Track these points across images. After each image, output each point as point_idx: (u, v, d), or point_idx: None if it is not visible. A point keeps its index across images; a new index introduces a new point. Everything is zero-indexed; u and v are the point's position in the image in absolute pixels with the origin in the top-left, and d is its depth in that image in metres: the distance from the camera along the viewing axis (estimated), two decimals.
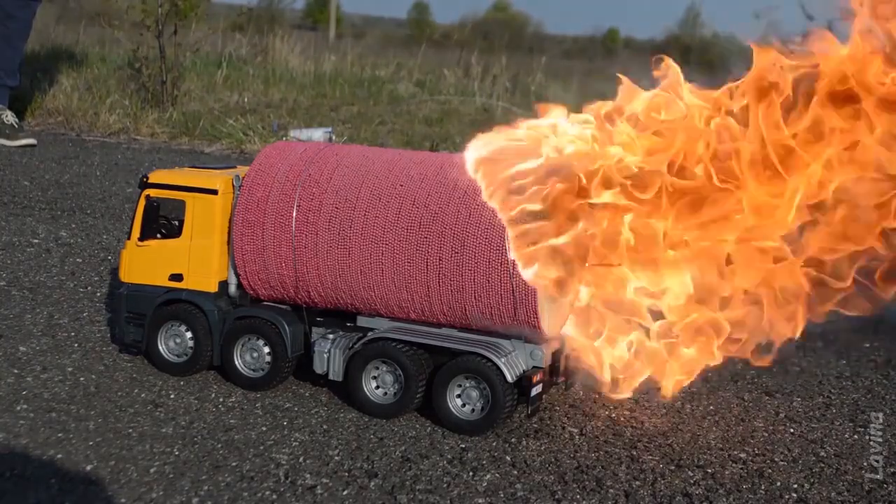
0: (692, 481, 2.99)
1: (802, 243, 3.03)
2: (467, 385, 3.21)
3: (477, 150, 3.19)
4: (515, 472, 2.98)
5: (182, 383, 3.49)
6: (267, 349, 3.43)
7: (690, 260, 3.13)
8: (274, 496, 2.76)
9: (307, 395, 3.45)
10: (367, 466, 2.96)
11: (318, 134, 8.11)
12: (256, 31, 12.83)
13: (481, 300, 3.14)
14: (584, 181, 3.03)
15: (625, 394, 3.38)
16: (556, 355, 3.33)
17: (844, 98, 2.93)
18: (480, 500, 2.81)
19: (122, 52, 10.63)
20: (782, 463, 3.16)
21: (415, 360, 3.25)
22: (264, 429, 3.18)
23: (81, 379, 3.49)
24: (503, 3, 35.68)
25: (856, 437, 3.37)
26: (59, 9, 14.73)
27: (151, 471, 2.86)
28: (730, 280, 3.12)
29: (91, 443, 3.01)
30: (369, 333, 3.33)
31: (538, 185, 3.07)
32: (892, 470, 3.13)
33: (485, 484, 2.90)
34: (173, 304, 3.51)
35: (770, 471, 3.09)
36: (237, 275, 3.44)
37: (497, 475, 2.95)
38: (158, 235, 3.53)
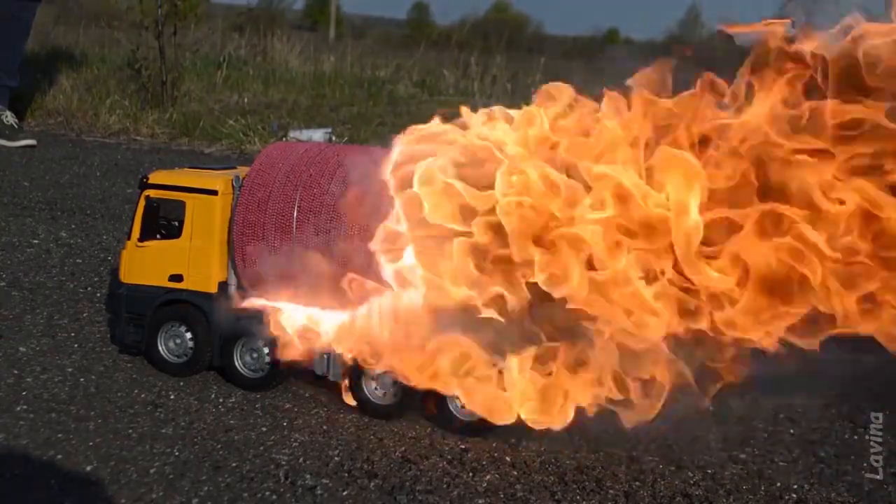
0: (692, 482, 2.99)
1: None
2: None
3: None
4: (515, 473, 2.98)
5: (182, 384, 3.49)
6: (266, 350, 3.43)
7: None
8: (274, 497, 2.76)
9: (307, 395, 3.45)
10: (367, 467, 2.96)
11: (318, 135, 8.11)
12: (256, 32, 12.82)
13: None
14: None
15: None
16: None
17: None
18: (480, 501, 2.81)
19: (121, 53, 10.62)
20: (782, 463, 3.16)
21: None
22: (264, 429, 3.18)
23: (81, 380, 3.49)
24: (503, 4, 35.68)
25: (856, 437, 3.37)
26: (59, 9, 14.72)
27: (151, 471, 2.86)
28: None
29: (91, 443, 3.01)
30: None
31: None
32: (892, 470, 3.13)
33: (485, 485, 2.90)
34: (173, 304, 3.51)
35: (770, 471, 3.09)
36: (237, 275, 3.44)
37: (497, 476, 2.95)
38: (158, 236, 3.53)
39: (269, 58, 11.76)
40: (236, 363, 3.46)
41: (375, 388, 3.31)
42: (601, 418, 3.06)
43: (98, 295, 4.42)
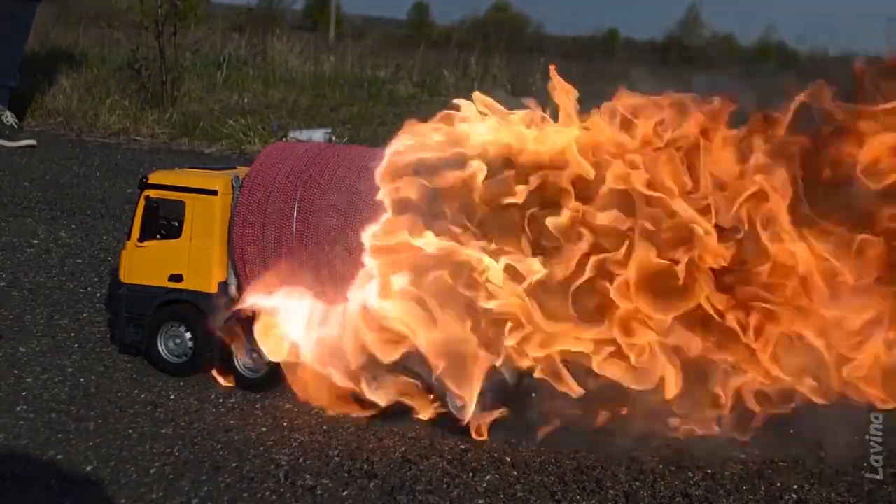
0: (692, 482, 2.99)
1: None
2: None
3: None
4: (515, 473, 2.98)
5: (182, 384, 3.49)
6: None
7: None
8: (274, 497, 2.76)
9: None
10: (367, 467, 2.96)
11: (317, 135, 8.10)
12: (256, 32, 12.80)
13: None
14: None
15: None
16: None
17: None
18: (480, 501, 2.81)
19: (121, 53, 10.61)
20: (782, 464, 3.16)
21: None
22: (264, 429, 3.18)
23: (81, 380, 3.49)
24: (503, 4, 35.63)
25: (856, 437, 3.36)
26: (59, 9, 14.72)
27: (151, 472, 2.86)
28: None
29: (91, 444, 3.01)
30: None
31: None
32: (892, 470, 3.12)
33: (484, 485, 2.90)
34: (173, 304, 3.51)
35: (770, 471, 3.09)
36: (237, 275, 3.43)
37: (497, 476, 2.95)
38: (158, 236, 3.52)
39: (269, 58, 11.74)
40: (236, 363, 3.46)
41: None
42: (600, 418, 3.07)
43: (98, 295, 4.42)
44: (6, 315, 4.10)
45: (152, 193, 3.51)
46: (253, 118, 8.89)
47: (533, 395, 3.19)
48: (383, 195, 3.10)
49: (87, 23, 13.13)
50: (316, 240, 3.23)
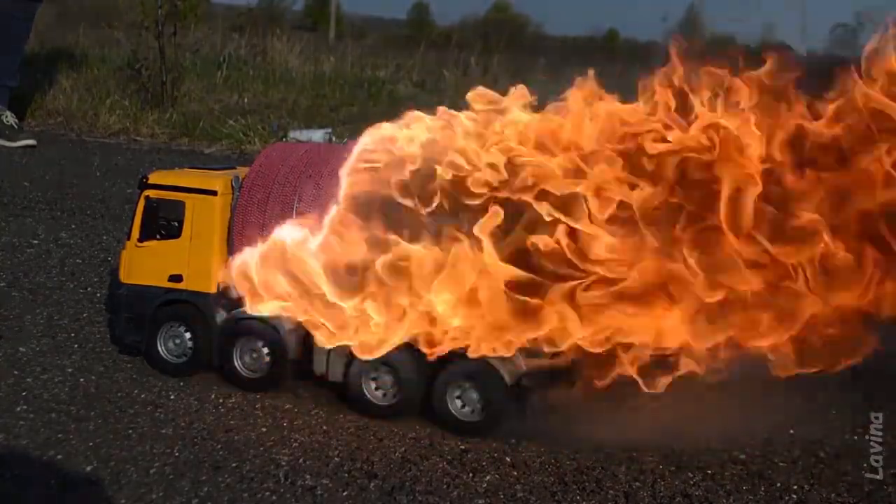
0: (692, 482, 2.99)
1: None
2: (467, 386, 3.20)
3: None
4: (515, 474, 2.98)
5: (182, 384, 3.49)
6: (266, 350, 3.42)
7: None
8: (274, 497, 2.76)
9: (307, 395, 3.45)
10: (367, 467, 2.96)
11: (317, 135, 8.10)
12: (256, 32, 12.81)
13: None
14: None
15: None
16: None
17: None
18: (480, 501, 2.81)
19: (121, 53, 10.61)
20: (782, 464, 3.16)
21: (412, 363, 3.24)
22: (264, 429, 3.18)
23: (81, 380, 3.49)
24: (503, 4, 35.61)
25: (856, 437, 3.36)
26: (59, 9, 14.72)
27: (151, 472, 2.86)
28: None
29: (91, 444, 3.01)
30: None
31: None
32: (892, 470, 3.12)
33: (485, 485, 2.90)
34: (173, 304, 3.51)
35: (770, 472, 3.09)
36: None
37: (497, 476, 2.95)
38: (158, 236, 3.52)
39: (269, 58, 11.73)
40: (235, 363, 3.46)
41: (376, 389, 3.30)
42: (602, 418, 3.08)
43: (98, 295, 4.42)
44: (6, 315, 4.10)
45: (152, 193, 3.51)
46: (253, 118, 8.89)
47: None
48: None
49: (87, 23, 13.12)
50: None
